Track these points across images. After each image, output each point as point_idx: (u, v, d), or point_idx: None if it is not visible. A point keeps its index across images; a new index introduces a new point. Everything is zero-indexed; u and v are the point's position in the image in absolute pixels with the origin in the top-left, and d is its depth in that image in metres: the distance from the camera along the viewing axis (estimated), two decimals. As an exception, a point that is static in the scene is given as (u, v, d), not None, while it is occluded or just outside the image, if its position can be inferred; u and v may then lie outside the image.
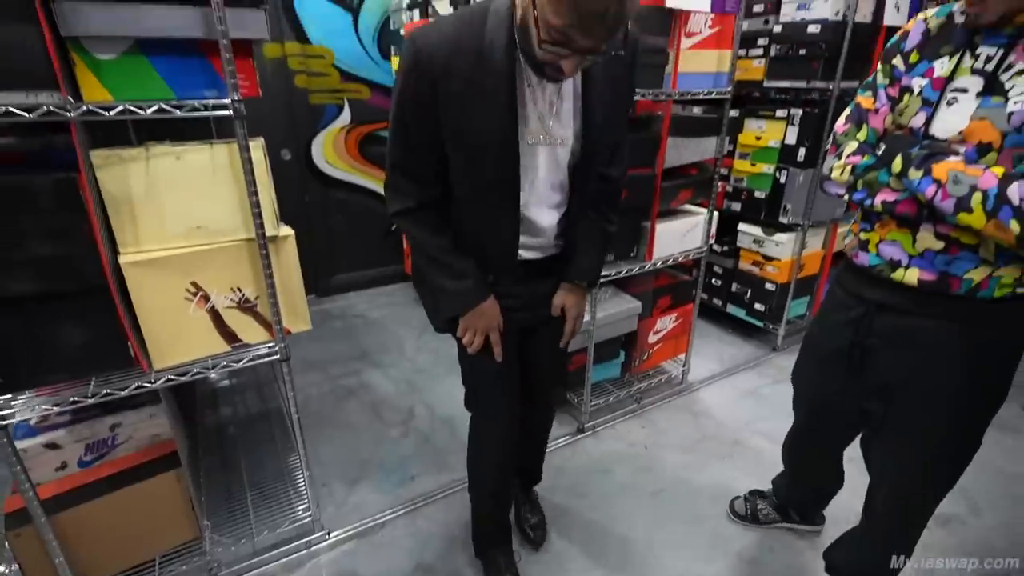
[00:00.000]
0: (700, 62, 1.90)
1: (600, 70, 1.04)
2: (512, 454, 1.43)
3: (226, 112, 1.16)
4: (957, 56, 0.94)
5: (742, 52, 2.57)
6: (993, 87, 0.89)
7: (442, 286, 1.15)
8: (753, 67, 2.60)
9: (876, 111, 1.06)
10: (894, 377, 1.11)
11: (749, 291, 2.84)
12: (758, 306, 2.82)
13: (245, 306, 1.37)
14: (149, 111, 1.10)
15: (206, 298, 1.31)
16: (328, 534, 1.67)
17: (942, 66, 0.96)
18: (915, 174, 0.92)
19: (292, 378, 1.45)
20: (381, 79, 3.17)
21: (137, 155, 1.17)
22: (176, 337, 1.30)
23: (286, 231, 1.38)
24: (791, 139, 2.48)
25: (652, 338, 2.35)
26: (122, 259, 1.19)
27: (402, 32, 2.75)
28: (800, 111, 2.41)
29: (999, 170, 0.85)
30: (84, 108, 1.04)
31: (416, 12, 2.63)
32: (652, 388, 2.43)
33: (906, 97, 1.00)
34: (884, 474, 1.25)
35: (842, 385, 1.23)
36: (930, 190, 0.90)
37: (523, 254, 1.18)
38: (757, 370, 2.69)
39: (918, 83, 0.99)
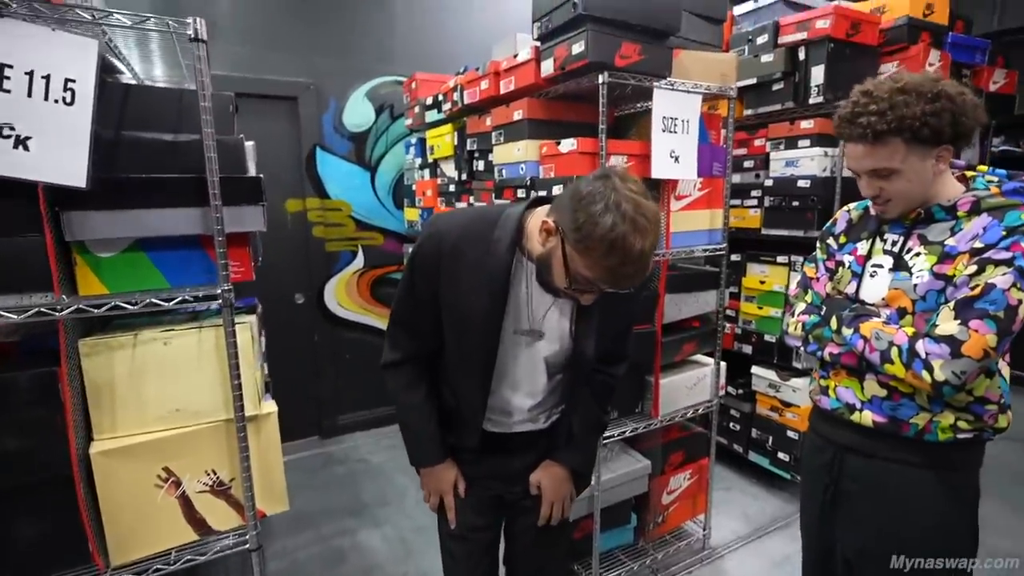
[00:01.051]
0: (692, 222, 1.95)
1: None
2: None
3: (215, 303, 1.19)
4: (871, 240, 1.15)
5: (738, 202, 2.66)
6: (900, 264, 1.09)
7: (405, 438, 1.22)
8: (750, 216, 2.67)
9: (818, 279, 1.26)
10: (867, 521, 1.16)
11: (771, 439, 2.66)
12: (782, 455, 2.61)
13: (218, 489, 1.31)
14: (139, 306, 1.14)
15: (177, 484, 1.26)
16: None
17: (862, 247, 1.16)
18: (847, 331, 1.10)
19: (264, 570, 1.34)
20: (395, 227, 3.35)
21: (125, 342, 1.18)
22: (140, 528, 1.23)
23: (269, 407, 1.35)
24: (795, 285, 2.46)
25: (666, 498, 2.16)
26: (93, 448, 1.16)
27: (414, 187, 2.95)
28: (800, 258, 2.42)
29: (910, 330, 1.02)
30: (74, 307, 1.07)
31: (427, 171, 2.84)
32: (670, 556, 2.19)
33: (840, 269, 1.20)
34: None
35: (830, 531, 1.25)
36: (859, 344, 1.07)
37: (489, 427, 1.20)
38: (788, 532, 2.42)
39: (847, 259, 1.19)
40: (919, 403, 1.05)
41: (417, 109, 2.79)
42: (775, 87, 2.41)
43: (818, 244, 1.30)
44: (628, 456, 2.07)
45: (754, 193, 2.64)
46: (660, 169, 1.75)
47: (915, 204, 1.06)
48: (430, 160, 2.74)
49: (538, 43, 1.78)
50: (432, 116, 2.63)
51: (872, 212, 1.19)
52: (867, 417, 1.10)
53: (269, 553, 2.22)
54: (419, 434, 1.19)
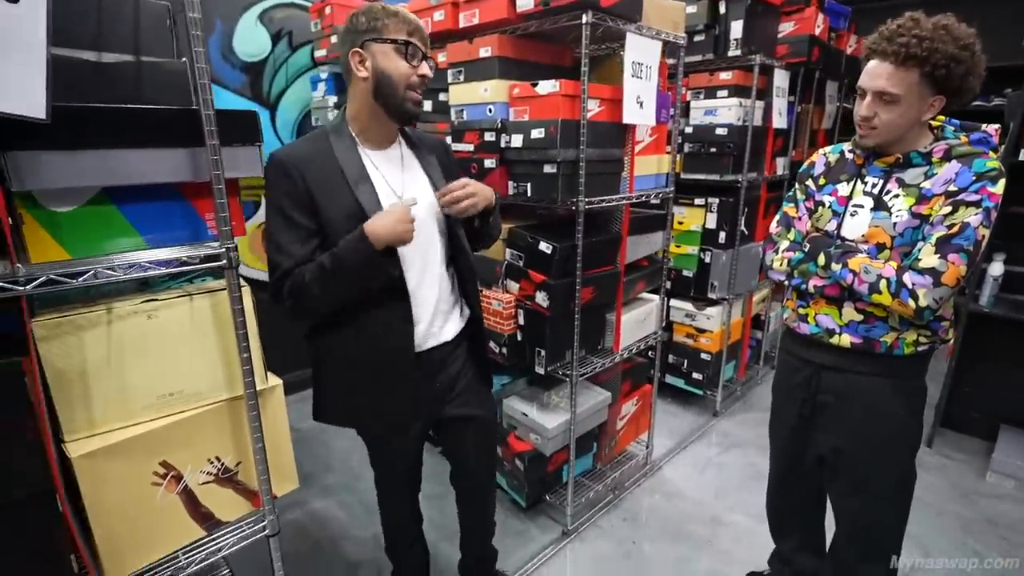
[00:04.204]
0: (646, 166, 2.05)
1: (426, 153, 1.29)
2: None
3: (219, 264, 0.99)
4: (852, 182, 1.30)
5: (658, 147, 2.84)
6: (879, 204, 1.23)
7: (344, 270, 1.09)
8: (669, 161, 2.86)
9: (799, 218, 1.39)
10: (842, 426, 1.36)
11: (686, 361, 3.01)
12: (696, 375, 2.98)
13: (224, 477, 1.15)
14: (125, 273, 0.91)
15: (178, 478, 1.08)
16: None
17: (843, 188, 1.31)
18: (836, 266, 1.24)
19: (281, 555, 1.22)
20: (301, 173, 3.01)
21: (96, 319, 0.95)
22: (139, 535, 1.04)
23: (273, 380, 1.20)
24: (711, 224, 2.74)
25: (619, 424, 2.36)
26: (71, 450, 0.94)
27: (329, 129, 2.65)
28: (717, 200, 2.69)
29: (894, 264, 1.18)
30: (42, 278, 0.83)
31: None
32: (623, 474, 2.42)
33: (820, 208, 1.35)
34: (844, 512, 1.44)
35: (804, 438, 1.46)
36: (848, 278, 1.22)
37: (420, 343, 1.26)
38: (706, 439, 2.81)
39: (827, 199, 1.33)
40: (891, 324, 1.23)
41: (334, 39, 2.47)
42: (697, 38, 2.56)
43: (796, 185, 1.44)
44: (593, 391, 2.20)
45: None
46: (629, 114, 1.79)
47: (892, 140, 1.19)
48: (352, 98, 2.47)
49: (511, -25, 1.67)
50: (355, 48, 2.36)
51: (848, 156, 1.34)
52: (845, 339, 1.28)
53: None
54: (341, 252, 1.08)
